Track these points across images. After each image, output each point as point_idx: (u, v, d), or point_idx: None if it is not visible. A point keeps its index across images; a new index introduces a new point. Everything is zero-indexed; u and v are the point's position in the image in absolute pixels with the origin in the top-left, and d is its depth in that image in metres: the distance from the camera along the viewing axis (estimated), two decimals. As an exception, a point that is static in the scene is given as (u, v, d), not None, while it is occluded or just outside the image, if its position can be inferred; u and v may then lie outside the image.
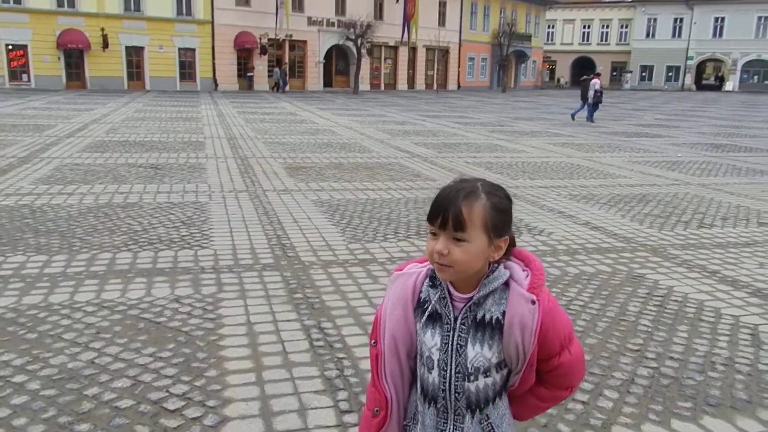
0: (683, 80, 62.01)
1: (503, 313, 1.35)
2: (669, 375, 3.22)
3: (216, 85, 35.89)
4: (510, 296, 1.36)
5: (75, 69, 31.93)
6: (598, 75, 21.80)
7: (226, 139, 13.22)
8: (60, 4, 30.77)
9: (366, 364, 3.26)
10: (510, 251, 1.42)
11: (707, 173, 10.24)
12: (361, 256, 5.18)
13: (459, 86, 51.10)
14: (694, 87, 61.96)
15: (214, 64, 35.82)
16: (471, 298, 1.37)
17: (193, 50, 35.13)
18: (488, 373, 1.39)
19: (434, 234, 1.35)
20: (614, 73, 65.69)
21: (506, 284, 1.37)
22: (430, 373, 1.41)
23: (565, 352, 1.39)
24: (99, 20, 31.53)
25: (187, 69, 35.24)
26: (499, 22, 52.91)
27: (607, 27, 65.91)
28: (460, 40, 50.44)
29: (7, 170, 8.58)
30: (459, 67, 51.21)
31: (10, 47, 29.93)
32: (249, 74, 37.34)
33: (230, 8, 35.77)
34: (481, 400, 1.40)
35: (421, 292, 1.43)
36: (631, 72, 63.48)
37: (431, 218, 1.35)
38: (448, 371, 1.39)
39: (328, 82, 42.18)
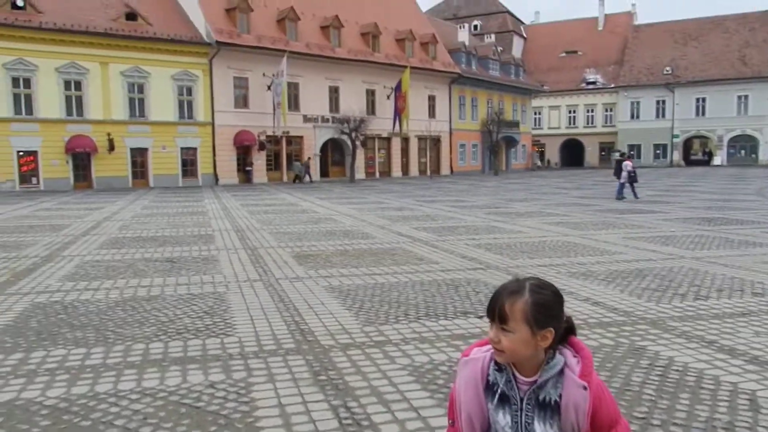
0: (671, 157, 63.89)
1: (560, 396, 1.61)
2: (675, 435, 3.49)
3: (217, 180, 36.94)
4: (565, 382, 1.62)
5: (82, 170, 32.99)
6: (630, 157, 24.46)
7: (233, 231, 13.69)
8: (69, 113, 32.23)
9: (395, 436, 3.53)
10: (567, 339, 1.70)
11: (701, 246, 10.66)
12: (377, 338, 5.47)
13: (452, 171, 52.51)
14: (683, 163, 63.77)
15: (214, 160, 37.03)
16: (534, 382, 1.63)
17: (195, 149, 36.43)
18: None
19: (491, 323, 1.66)
20: (602, 153, 67.68)
21: (561, 370, 1.63)
22: None
23: (617, 428, 1.66)
24: (105, 126, 32.95)
25: (188, 166, 36.41)
26: (487, 111, 55.16)
27: (592, 111, 68.56)
28: (450, 129, 52.35)
29: (33, 269, 8.94)
30: (451, 153, 52.84)
31: (21, 153, 31.06)
32: (248, 168, 38.55)
33: (229, 111, 37.43)
34: None
35: (488, 375, 1.68)
36: (620, 151, 65.43)
37: (487, 311, 1.70)
38: None
39: (324, 173, 43.42)
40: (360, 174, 43.79)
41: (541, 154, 70.73)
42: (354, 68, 43.45)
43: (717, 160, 61.36)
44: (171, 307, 6.63)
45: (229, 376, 4.51)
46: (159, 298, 7.03)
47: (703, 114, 62.02)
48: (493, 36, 68.50)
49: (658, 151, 65.00)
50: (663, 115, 64.03)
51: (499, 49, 62.23)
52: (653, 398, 4.07)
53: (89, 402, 4.02)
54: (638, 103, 65.35)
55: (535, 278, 1.69)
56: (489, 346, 1.69)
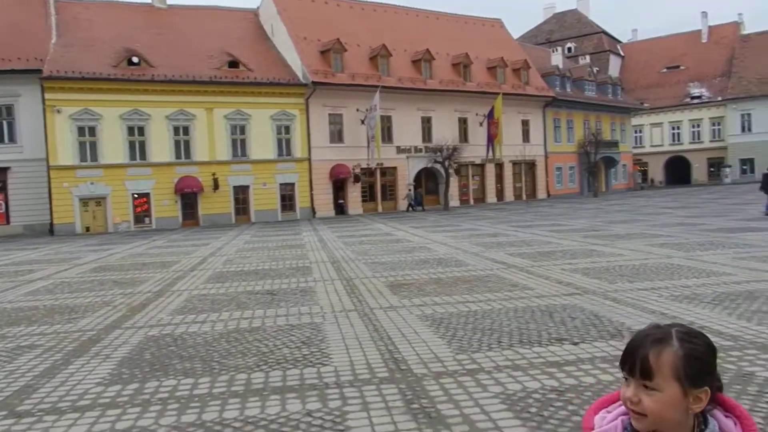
0: (792, 170, 59.14)
1: None
2: (784, 467, 3.30)
3: (314, 213, 38.20)
4: None
5: (189, 209, 35.23)
6: None
7: (329, 262, 14.14)
8: (178, 156, 34.70)
9: (484, 464, 3.56)
10: (715, 397, 1.38)
11: (821, 266, 9.87)
12: (469, 366, 5.51)
13: (548, 194, 51.31)
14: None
15: (312, 194, 38.36)
16: None
17: (293, 184, 37.94)
18: None
19: (626, 379, 1.36)
20: (712, 169, 63.82)
21: None
22: None
23: None
24: (211, 167, 35.13)
25: (287, 201, 37.92)
26: (583, 132, 53.64)
27: (698, 126, 64.97)
28: (545, 152, 51.33)
29: (146, 304, 9.70)
30: (547, 176, 51.72)
31: (136, 196, 33.69)
32: (340, 201, 39.64)
33: (325, 146, 38.80)
34: None
35: None
36: (730, 166, 61.50)
37: (622, 363, 1.37)
38: None
39: (419, 202, 43.74)
40: (454, 202, 43.75)
41: (644, 173, 67.64)
42: (446, 98, 43.83)
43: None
44: (271, 338, 6.98)
45: (325, 405, 4.70)
46: (260, 330, 7.42)
47: (821, 122, 57.17)
48: (588, 57, 66.87)
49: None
50: (777, 126, 59.63)
51: (595, 69, 60.65)
52: (762, 426, 3.84)
53: (197, 429, 4.33)
54: (749, 114, 61.22)
55: (680, 325, 1.40)
56: (618, 410, 1.40)
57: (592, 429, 1.40)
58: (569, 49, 70.03)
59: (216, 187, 35.14)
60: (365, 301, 8.98)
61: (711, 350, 1.36)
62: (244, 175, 36.42)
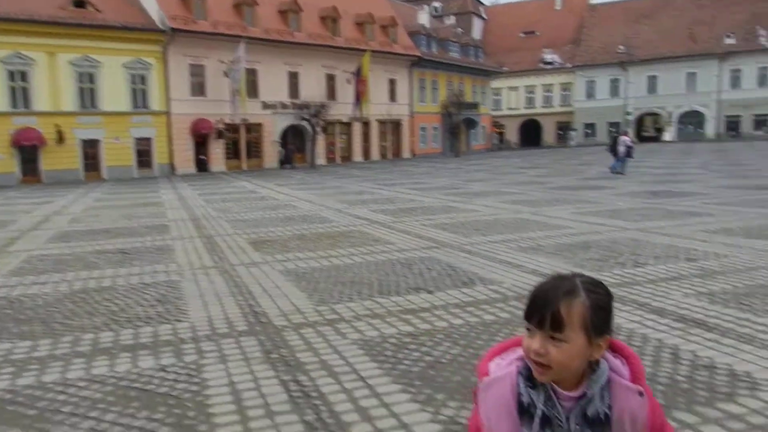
0: (624, 134, 65.31)
1: (609, 407, 1.32)
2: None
3: (173, 170, 36.35)
4: (613, 389, 1.32)
5: (29, 164, 32.01)
6: (626, 132, 24.94)
7: (189, 220, 13.60)
8: (14, 104, 31.22)
9: (342, 407, 3.67)
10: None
11: (644, 218, 11.07)
12: (329, 317, 5.61)
13: (413, 154, 52.74)
14: (636, 140, 65.27)
15: (171, 150, 36.40)
16: (582, 396, 1.32)
17: (150, 139, 35.71)
18: None
19: (530, 330, 1.31)
20: (560, 132, 68.79)
21: (608, 377, 1.35)
22: None
23: None
24: (54, 118, 31.99)
25: (144, 157, 35.65)
26: (447, 93, 55.40)
27: (550, 91, 69.49)
28: (411, 112, 52.45)
29: (-23, 266, 8.78)
30: (412, 136, 53.02)
31: (-36, 149, 30.06)
32: (201, 157, 37.99)
33: (186, 99, 36.75)
34: None
35: (520, 394, 1.34)
36: (575, 130, 66.68)
37: (528, 316, 1.31)
38: None
39: (289, 160, 43.12)
40: (321, 160, 43.63)
41: (501, 135, 71.54)
42: (313, 53, 43.06)
43: (667, 136, 63.03)
44: (122, 297, 6.63)
45: (180, 359, 4.58)
46: (110, 289, 7.01)
47: (655, 91, 63.48)
48: (453, 18, 68.56)
49: (612, 129, 66.36)
50: (617, 94, 65.35)
51: (459, 30, 62.39)
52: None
53: (35, 392, 4.05)
54: (593, 82, 66.49)
55: (582, 275, 1.36)
56: (511, 357, 1.37)
57: (488, 375, 1.36)
58: (435, 8, 71.40)
59: (60, 140, 32.15)
60: (226, 258, 8.78)
61: (611, 299, 1.37)
62: (94, 128, 33.63)
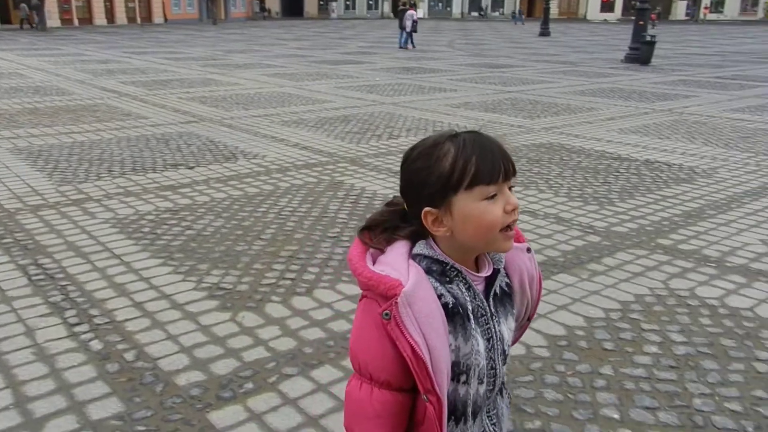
0: (382, 8, 66.93)
1: (507, 275, 1.18)
2: (358, 250, 4.04)
3: None
4: (507, 254, 1.16)
5: None
6: (414, 6, 23.68)
7: None
8: None
9: (93, 285, 3.45)
10: None
11: (398, 93, 11.73)
12: (74, 197, 5.10)
13: (166, 19, 48.12)
14: (392, 15, 67.33)
15: None
16: (495, 273, 1.14)
17: None
18: None
19: (493, 196, 1.04)
20: (321, 3, 67.92)
21: None
22: (482, 384, 1.13)
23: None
24: None
25: None
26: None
27: (310, -41, 67.37)
28: (160, -31, 47.17)
29: None
30: (163, -1, 48.07)
31: None
32: None
33: None
34: (504, 375, 1.22)
35: (441, 296, 1.06)
36: (336, 1, 66.34)
37: (492, 177, 1.03)
38: (497, 368, 1.15)
39: (5, 19, 36.29)
40: (54, 21, 37.55)
41: (262, 3, 68.35)
42: None
43: (420, 13, 66.24)
44: None
45: None
46: None
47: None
48: None
49: (371, 2, 67.45)
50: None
51: None
52: (345, 221, 4.60)
53: None
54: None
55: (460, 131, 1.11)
56: (400, 255, 1.07)
57: (401, 285, 1.01)
58: None
59: None
60: (-65, 135, 7.35)
61: None
62: None
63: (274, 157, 6.61)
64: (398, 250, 1.08)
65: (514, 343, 1.23)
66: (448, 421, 1.10)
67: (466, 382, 1.10)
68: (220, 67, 16.14)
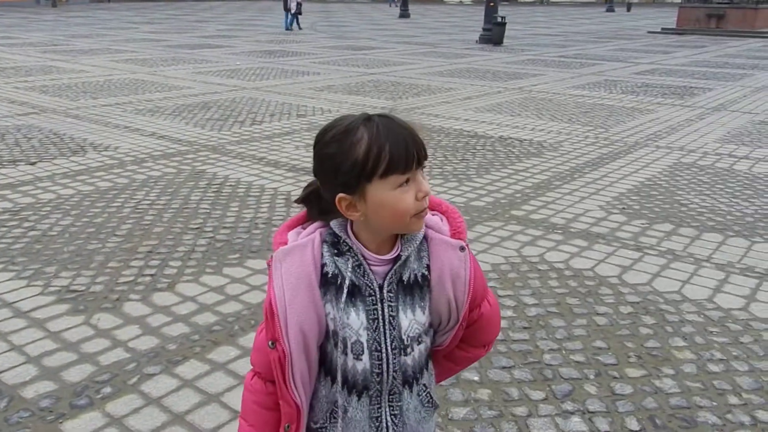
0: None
1: (427, 267, 1.15)
2: (222, 240, 3.94)
3: None
4: (432, 246, 1.15)
5: None
6: None
7: None
8: None
9: None
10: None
11: (261, 78, 11.48)
12: None
13: (-4, 2, 43.39)
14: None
15: None
16: (396, 258, 1.13)
17: None
18: (420, 339, 1.19)
19: (406, 182, 1.06)
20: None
21: (424, 235, 1.16)
22: (360, 359, 1.15)
23: (485, 302, 1.25)
24: None
25: None
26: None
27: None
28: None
29: None
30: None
31: None
32: None
33: None
34: (417, 370, 1.21)
35: (324, 265, 1.12)
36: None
37: (406, 164, 1.05)
38: (383, 351, 1.15)
39: None
40: None
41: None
42: None
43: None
44: None
45: None
46: None
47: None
48: None
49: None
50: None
51: None
52: (208, 211, 4.45)
53: None
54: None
55: (374, 114, 1.11)
56: (314, 226, 1.15)
57: (287, 243, 1.13)
58: None
59: None
60: None
61: None
62: None
63: (128, 149, 6.23)
64: (317, 222, 1.15)
65: (444, 347, 1.24)
66: (329, 382, 1.18)
67: (348, 352, 1.14)
68: (62, 54, 14.88)
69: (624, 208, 4.66)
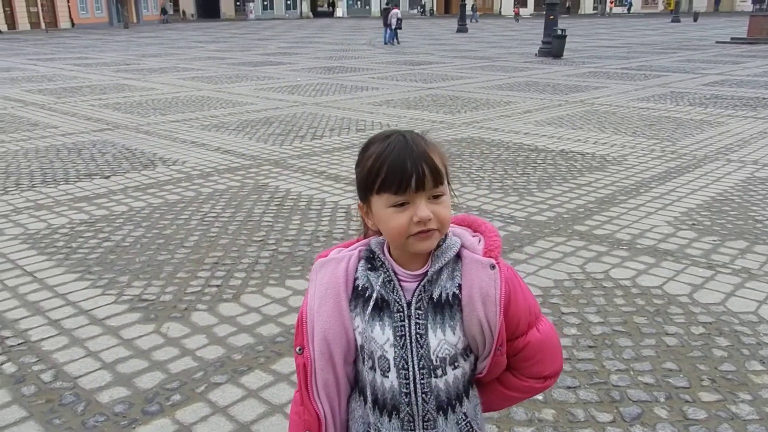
0: (301, 8, 66.40)
1: (459, 287, 1.13)
2: (285, 252, 4.01)
3: None
4: (464, 265, 1.13)
5: None
6: (397, 6, 25.47)
7: None
8: None
9: (5, 305, 3.27)
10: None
11: (321, 93, 11.69)
12: (-20, 214, 4.82)
13: (73, 24, 45.94)
14: (311, 14, 66.94)
15: None
16: (424, 275, 1.13)
17: None
18: (456, 364, 1.16)
19: (402, 205, 1.06)
20: (238, 3, 66.63)
21: (457, 254, 1.14)
22: (386, 376, 1.15)
23: (532, 330, 1.19)
24: None
25: None
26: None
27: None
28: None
29: None
30: (69, 2, 45.81)
31: None
32: None
33: None
34: (453, 396, 1.17)
35: (356, 279, 1.16)
36: (253, 2, 65.24)
37: (399, 188, 1.05)
38: (410, 370, 1.14)
39: None
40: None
41: (175, 4, 66.36)
42: None
43: (339, 12, 66.12)
44: None
45: None
46: None
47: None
48: None
49: (289, 2, 66.73)
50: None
51: None
52: (270, 224, 4.55)
53: None
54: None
55: (394, 129, 1.15)
56: (358, 246, 1.19)
57: (325, 256, 1.18)
58: None
59: None
60: None
61: None
62: None
63: (194, 163, 6.45)
64: (363, 241, 1.20)
65: (484, 375, 1.20)
66: (363, 401, 1.20)
67: (375, 368, 1.15)
68: (134, 72, 15.58)
69: (694, 224, 4.49)
